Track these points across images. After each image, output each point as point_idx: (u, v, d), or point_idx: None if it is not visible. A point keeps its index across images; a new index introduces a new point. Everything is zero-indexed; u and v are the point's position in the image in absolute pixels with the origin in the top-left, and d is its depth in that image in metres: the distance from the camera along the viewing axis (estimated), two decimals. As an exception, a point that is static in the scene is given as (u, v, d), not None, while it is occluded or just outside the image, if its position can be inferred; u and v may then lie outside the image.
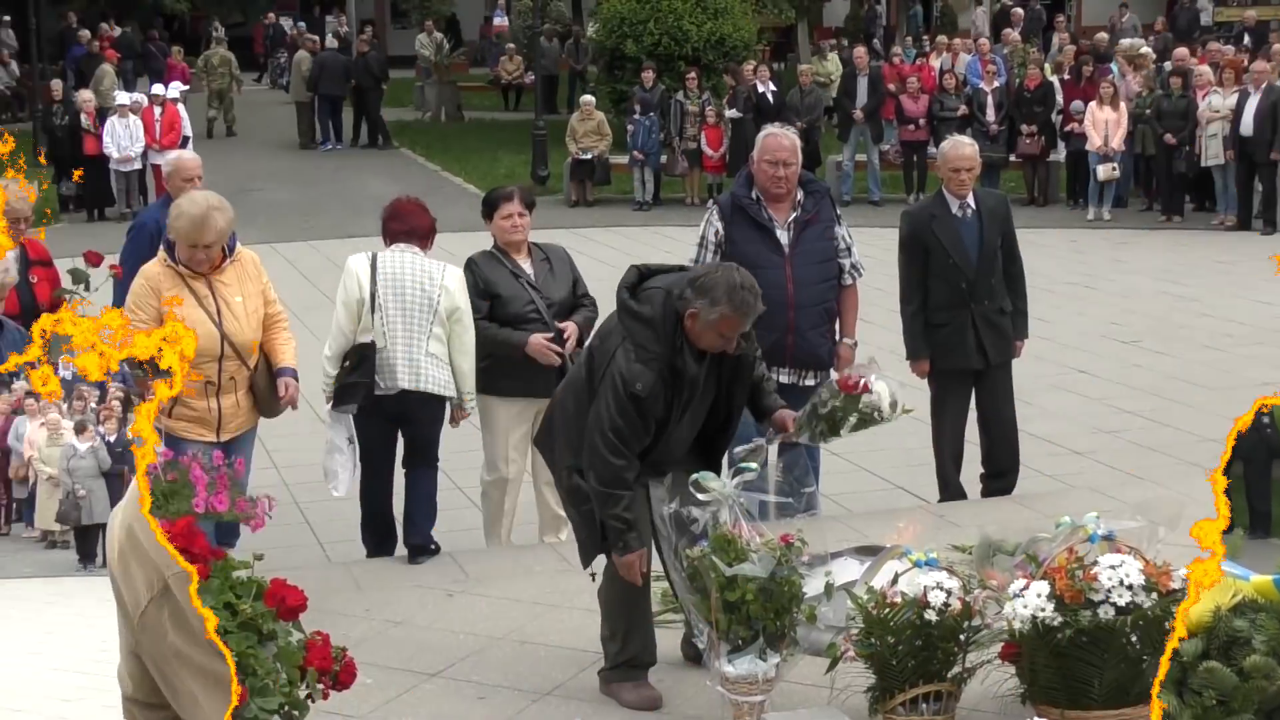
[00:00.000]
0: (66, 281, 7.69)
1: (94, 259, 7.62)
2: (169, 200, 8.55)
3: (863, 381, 6.33)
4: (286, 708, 4.31)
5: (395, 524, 8.15)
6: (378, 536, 8.15)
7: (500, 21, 36.66)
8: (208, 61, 31.79)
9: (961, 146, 8.88)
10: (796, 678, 5.94)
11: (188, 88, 24.87)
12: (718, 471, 6.14)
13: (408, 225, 8.04)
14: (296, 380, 7.39)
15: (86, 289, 7.53)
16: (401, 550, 8.12)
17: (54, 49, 33.94)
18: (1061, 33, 28.50)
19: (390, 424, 7.88)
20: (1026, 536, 5.91)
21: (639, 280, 6.17)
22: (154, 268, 7.20)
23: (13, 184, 7.78)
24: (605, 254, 17.09)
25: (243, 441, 7.27)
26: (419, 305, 7.71)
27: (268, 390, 7.31)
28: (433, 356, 7.70)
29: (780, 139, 8.02)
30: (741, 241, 8.00)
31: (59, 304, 7.55)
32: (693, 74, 23.58)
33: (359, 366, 7.64)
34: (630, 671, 6.20)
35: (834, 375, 6.90)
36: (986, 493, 9.01)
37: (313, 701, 4.47)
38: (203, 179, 8.73)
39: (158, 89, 23.38)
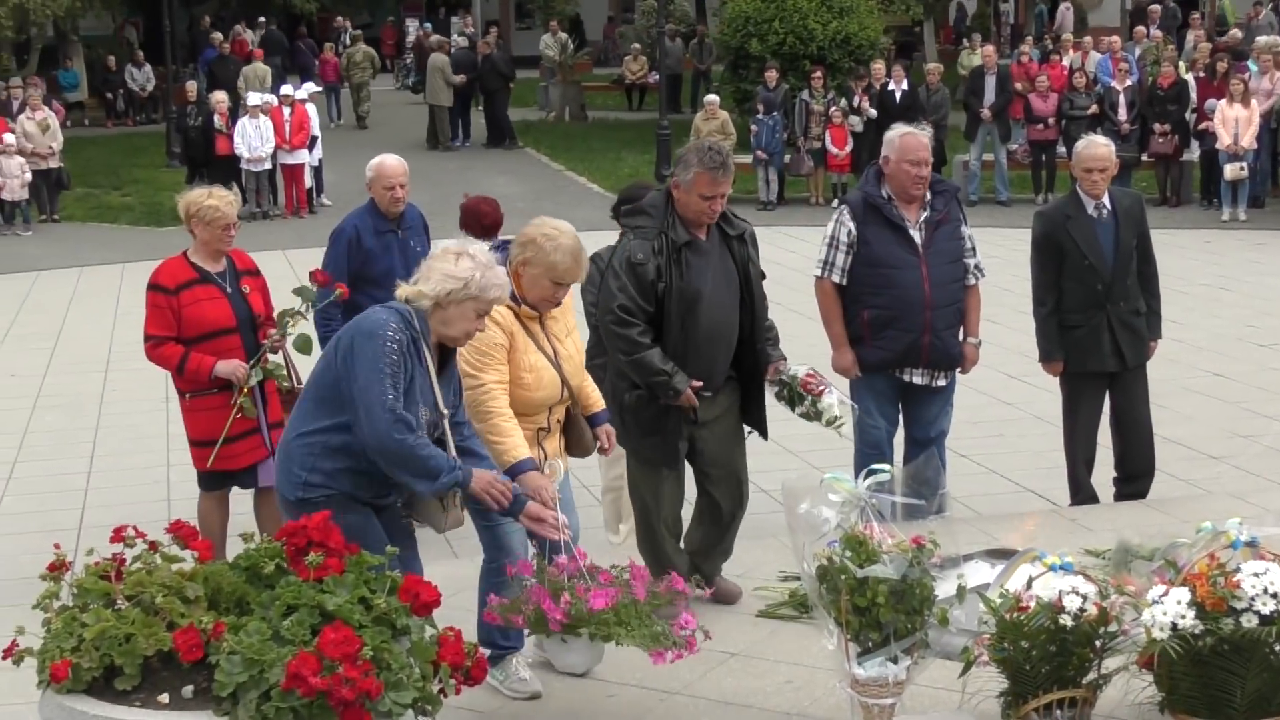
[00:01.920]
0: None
1: (322, 279, 7.68)
2: (373, 206, 8.61)
3: (820, 389, 7.41)
4: (420, 702, 4.34)
5: None
6: None
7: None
8: (350, 58, 33.17)
9: (1095, 146, 8.67)
10: (927, 681, 5.87)
11: (320, 89, 25.12)
12: (755, 389, 7.13)
13: (486, 224, 8.65)
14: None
15: (313, 308, 7.65)
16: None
17: (186, 51, 34.56)
18: (1197, 30, 27.99)
19: None
20: (1164, 542, 5.80)
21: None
22: (499, 308, 6.02)
23: (219, 189, 7.95)
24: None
25: (561, 486, 6.46)
26: None
27: (581, 431, 6.54)
28: None
29: (919, 139, 7.97)
30: (875, 242, 7.97)
31: (282, 319, 7.70)
32: (818, 73, 23.48)
33: None
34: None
35: (802, 371, 7.45)
36: (1120, 497, 8.86)
37: (445, 696, 4.50)
38: (406, 185, 8.60)
39: (286, 89, 23.66)
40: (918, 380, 8.06)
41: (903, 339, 7.99)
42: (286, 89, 23.65)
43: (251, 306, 7.70)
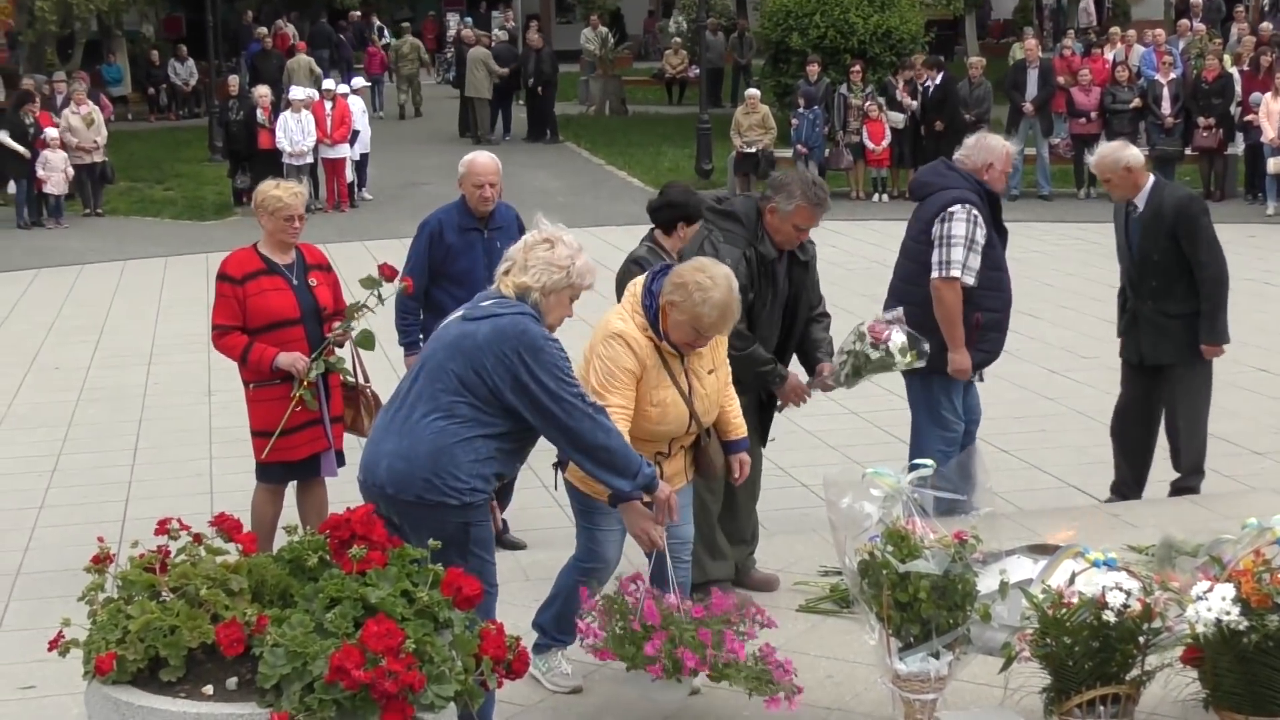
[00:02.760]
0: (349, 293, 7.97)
1: (389, 272, 7.70)
2: (463, 202, 8.55)
3: (886, 332, 7.41)
4: (462, 695, 4.35)
5: None
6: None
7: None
8: (398, 50, 33.91)
9: (1101, 156, 8.69)
10: (969, 677, 5.86)
11: (368, 84, 25.22)
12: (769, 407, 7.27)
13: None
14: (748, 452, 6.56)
15: (380, 301, 7.67)
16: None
17: (229, 46, 34.75)
18: (1241, 23, 27.81)
19: None
20: (1209, 538, 5.77)
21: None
22: (638, 335, 5.87)
23: (285, 182, 8.00)
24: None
25: (683, 492, 6.24)
26: None
27: (716, 456, 6.32)
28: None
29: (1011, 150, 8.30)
30: (990, 244, 8.05)
31: (350, 312, 7.73)
32: (857, 67, 23.42)
33: None
34: (711, 585, 6.65)
35: (864, 324, 7.53)
36: (1171, 493, 8.83)
37: (486, 689, 4.51)
38: (497, 185, 8.42)
39: (328, 84, 23.75)
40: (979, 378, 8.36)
41: (1000, 341, 8.24)
42: (329, 83, 23.74)
43: (318, 299, 7.73)
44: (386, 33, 38.82)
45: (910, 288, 8.04)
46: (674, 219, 7.39)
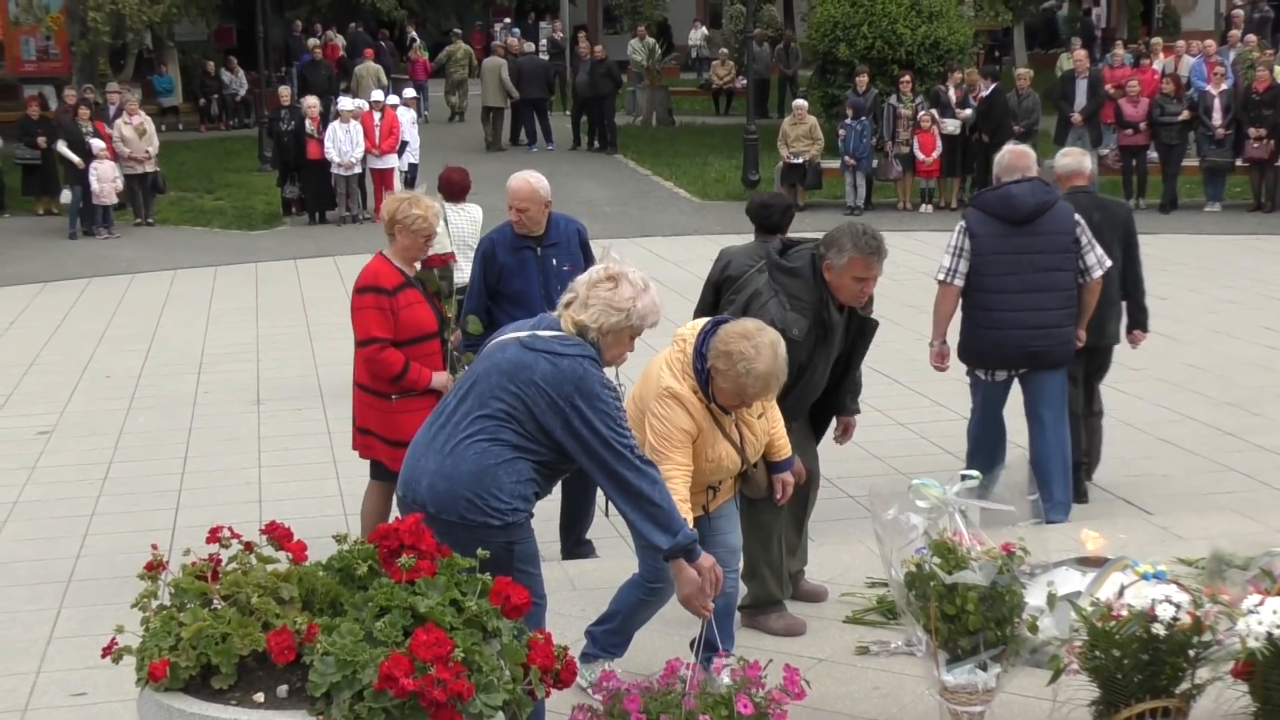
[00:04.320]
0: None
1: (435, 262, 7.77)
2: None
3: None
4: (510, 704, 4.36)
5: None
6: None
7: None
8: (450, 55, 34.78)
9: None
10: (1017, 689, 5.84)
11: (416, 95, 25.40)
12: (826, 423, 7.26)
13: (457, 188, 11.82)
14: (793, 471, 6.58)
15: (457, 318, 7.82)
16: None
17: (279, 56, 34.99)
18: (1291, 33, 27.66)
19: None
20: (1259, 551, 5.74)
21: (785, 248, 7.02)
22: (691, 396, 5.87)
23: (423, 196, 8.00)
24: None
25: (730, 506, 6.36)
26: (471, 233, 11.61)
27: (760, 478, 6.36)
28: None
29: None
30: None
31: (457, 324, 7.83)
32: (906, 77, 23.37)
33: (447, 271, 10.73)
34: (771, 605, 6.98)
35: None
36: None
37: (534, 698, 4.52)
38: (531, 210, 8.33)
39: (377, 95, 23.88)
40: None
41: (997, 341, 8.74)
42: (377, 94, 23.86)
43: (442, 311, 7.80)
44: (419, 43, 39.18)
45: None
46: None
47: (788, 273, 6.85)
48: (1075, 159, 9.46)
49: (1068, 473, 8.68)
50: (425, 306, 7.69)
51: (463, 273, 11.44)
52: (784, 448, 6.37)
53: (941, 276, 8.52)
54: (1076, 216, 8.47)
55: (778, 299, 6.76)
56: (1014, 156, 8.64)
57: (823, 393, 7.13)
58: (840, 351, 7.01)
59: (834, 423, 7.48)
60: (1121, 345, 9.40)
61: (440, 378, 7.60)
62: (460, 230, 11.72)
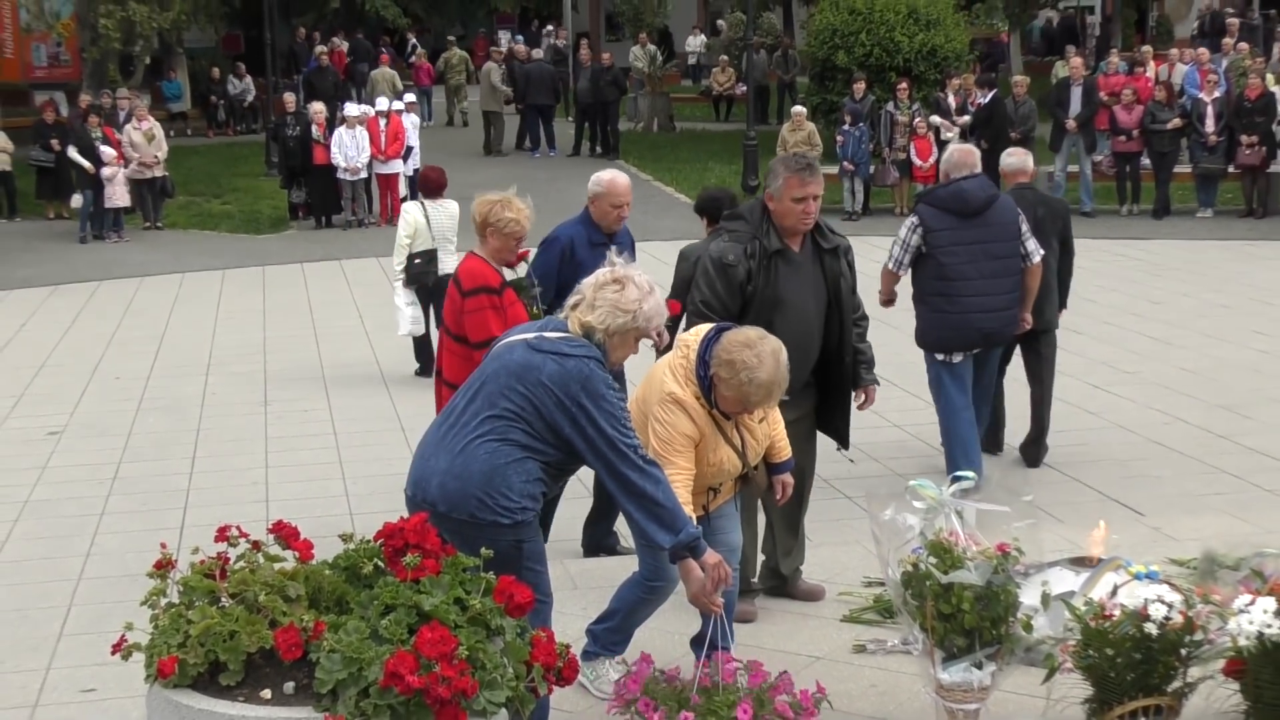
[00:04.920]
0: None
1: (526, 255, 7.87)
2: (588, 216, 8.50)
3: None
4: (513, 701, 4.37)
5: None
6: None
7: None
8: (447, 62, 35.50)
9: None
10: (1011, 687, 5.84)
11: (415, 100, 25.47)
12: (835, 394, 7.23)
13: (437, 186, 13.03)
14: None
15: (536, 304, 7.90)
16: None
17: (285, 63, 35.01)
18: (1282, 41, 27.66)
19: (434, 297, 12.38)
20: (1250, 551, 5.74)
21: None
22: (694, 402, 5.86)
23: (516, 199, 7.97)
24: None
25: (729, 505, 6.36)
26: (450, 227, 12.81)
27: (760, 479, 6.35)
28: (454, 257, 12.33)
29: None
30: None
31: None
32: (904, 84, 23.38)
33: (431, 262, 12.69)
34: (742, 593, 6.82)
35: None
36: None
37: (536, 695, 4.52)
38: (630, 205, 8.45)
39: (381, 102, 23.89)
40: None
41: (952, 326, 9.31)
42: (382, 102, 23.86)
43: (531, 309, 7.84)
44: (419, 49, 39.31)
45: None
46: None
47: (730, 217, 7.25)
48: (1019, 159, 10.22)
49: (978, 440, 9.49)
50: (520, 305, 7.71)
51: (444, 264, 12.64)
52: (784, 449, 6.37)
53: (891, 265, 9.18)
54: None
55: (719, 238, 7.11)
56: (962, 154, 9.31)
57: (829, 350, 7.12)
58: (823, 291, 7.08)
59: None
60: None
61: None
62: (440, 225, 12.74)
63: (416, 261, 12.73)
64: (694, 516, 5.75)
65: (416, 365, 13.30)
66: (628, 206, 8.43)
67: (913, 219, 9.08)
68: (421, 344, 13.13)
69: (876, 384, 7.54)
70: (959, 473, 5.90)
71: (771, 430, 6.25)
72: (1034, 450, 10.11)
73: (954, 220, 8.95)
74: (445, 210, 12.85)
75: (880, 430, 10.71)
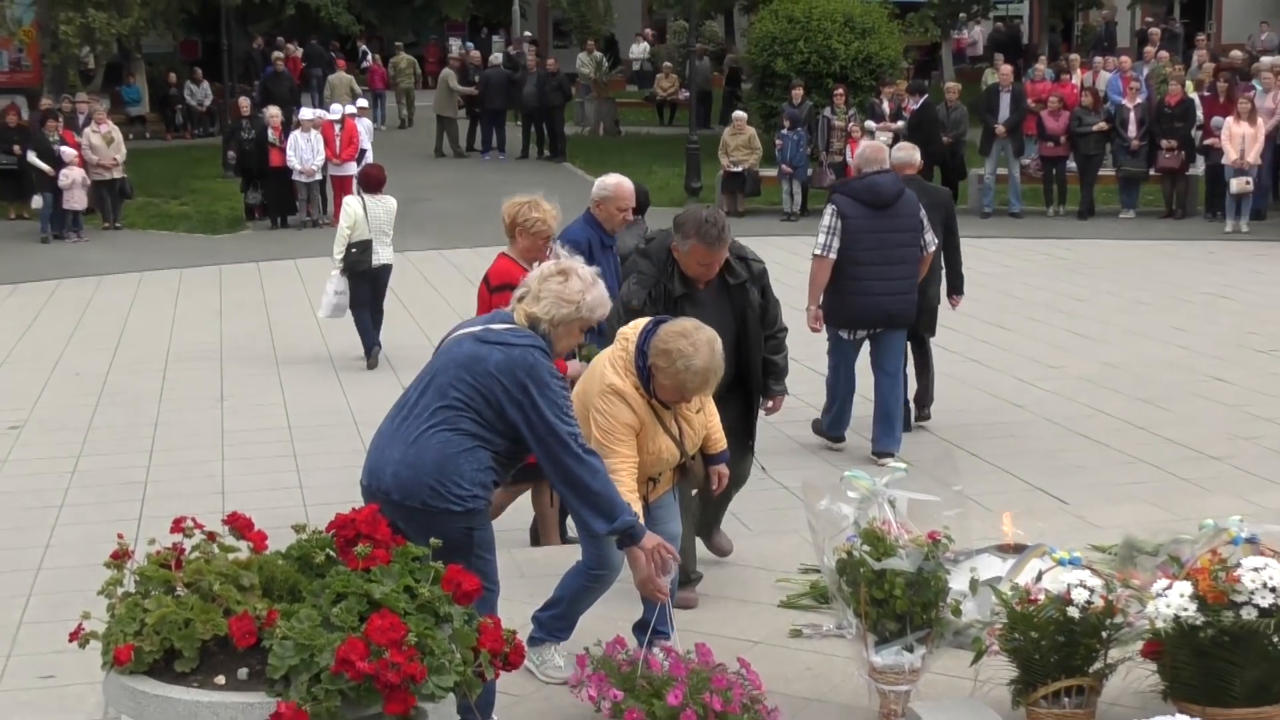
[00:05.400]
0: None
1: None
2: (593, 220, 8.60)
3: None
4: (461, 685, 4.36)
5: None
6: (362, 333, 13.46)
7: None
8: (396, 67, 35.79)
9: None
10: (941, 669, 5.87)
11: (367, 105, 25.37)
12: (752, 412, 7.25)
13: (374, 181, 13.49)
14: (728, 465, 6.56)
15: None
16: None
17: (242, 68, 34.77)
18: (1201, 50, 27.86)
19: (368, 283, 13.30)
20: (1168, 538, 5.79)
21: (649, 239, 7.44)
22: (632, 391, 5.85)
23: (544, 203, 7.90)
24: (755, 262, 17.05)
25: (670, 496, 6.36)
26: (386, 220, 13.31)
27: (697, 470, 6.34)
28: (389, 247, 13.41)
29: None
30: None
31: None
32: (840, 90, 23.46)
33: (366, 251, 13.14)
34: (683, 581, 6.72)
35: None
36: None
37: (483, 680, 4.52)
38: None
39: (335, 107, 23.80)
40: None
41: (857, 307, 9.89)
42: (336, 108, 23.77)
43: None
44: (371, 56, 39.26)
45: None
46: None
47: (642, 254, 7.26)
48: (907, 152, 10.83)
49: (901, 415, 10.06)
50: None
51: (379, 255, 13.30)
52: (719, 441, 6.38)
53: (819, 252, 9.64)
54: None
55: (631, 276, 7.18)
56: (873, 150, 10.01)
57: (742, 373, 7.11)
58: (731, 324, 7.01)
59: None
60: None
61: (574, 366, 7.54)
62: (377, 218, 13.28)
63: (353, 251, 13.19)
64: (641, 507, 5.77)
65: (363, 350, 13.64)
66: (631, 209, 8.61)
67: (831, 207, 9.68)
68: (363, 328, 13.59)
69: (784, 393, 7.59)
70: (894, 464, 5.93)
71: (708, 421, 6.27)
72: (920, 409, 10.83)
73: (866, 210, 9.53)
74: (383, 205, 13.38)
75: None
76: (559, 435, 5.18)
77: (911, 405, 10.65)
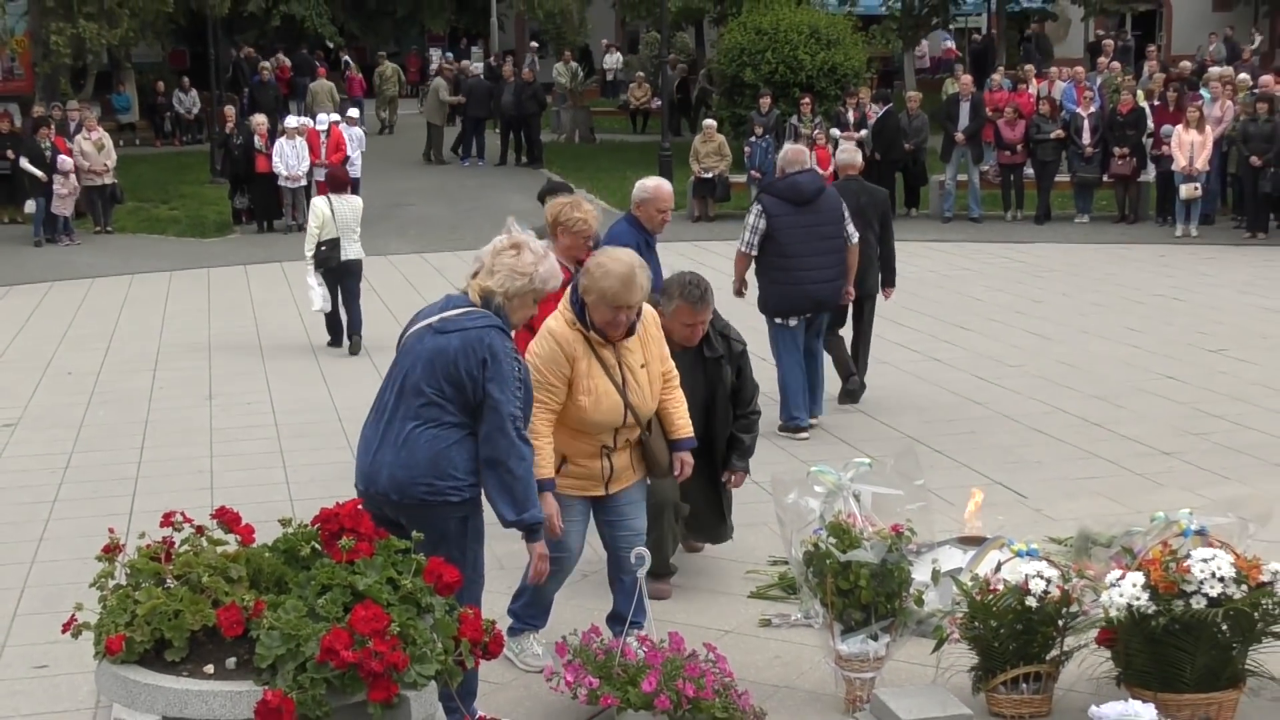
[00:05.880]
0: None
1: None
2: (636, 222, 8.69)
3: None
4: (442, 674, 4.36)
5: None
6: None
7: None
8: (380, 75, 35.78)
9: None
10: (904, 657, 5.89)
11: (356, 113, 25.30)
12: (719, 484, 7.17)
13: (341, 183, 14.16)
14: (692, 452, 6.41)
15: None
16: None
17: (231, 77, 34.64)
18: (1152, 61, 27.99)
19: (336, 279, 13.74)
20: (1121, 530, 5.82)
21: None
22: (565, 330, 5.91)
23: (586, 203, 7.85)
24: (725, 265, 16.98)
25: (636, 489, 6.28)
26: (353, 219, 13.76)
27: (660, 453, 6.23)
28: (357, 244, 13.82)
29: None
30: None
31: None
32: (806, 99, 23.49)
33: (334, 248, 13.57)
34: (658, 575, 6.87)
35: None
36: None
37: (464, 668, 4.51)
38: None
39: (322, 117, 23.74)
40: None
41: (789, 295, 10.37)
42: (323, 117, 23.71)
43: None
44: (353, 65, 39.19)
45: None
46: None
47: None
48: (850, 154, 11.65)
49: (822, 387, 10.69)
50: None
51: (345, 251, 13.70)
52: (683, 428, 6.29)
53: (742, 249, 10.23)
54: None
55: None
56: (794, 153, 10.61)
57: (706, 445, 6.95)
58: (703, 394, 6.98)
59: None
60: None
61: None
62: (343, 216, 13.69)
63: (323, 248, 13.66)
64: (553, 457, 5.80)
65: (328, 338, 14.16)
66: (670, 210, 8.81)
67: (757, 207, 10.23)
68: (331, 319, 14.08)
69: (745, 471, 7.32)
70: (858, 459, 5.95)
71: (668, 395, 6.18)
72: (854, 392, 11.24)
73: (790, 208, 10.04)
74: (349, 204, 13.89)
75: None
76: (500, 413, 5.14)
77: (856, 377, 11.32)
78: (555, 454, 5.88)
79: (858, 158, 11.60)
